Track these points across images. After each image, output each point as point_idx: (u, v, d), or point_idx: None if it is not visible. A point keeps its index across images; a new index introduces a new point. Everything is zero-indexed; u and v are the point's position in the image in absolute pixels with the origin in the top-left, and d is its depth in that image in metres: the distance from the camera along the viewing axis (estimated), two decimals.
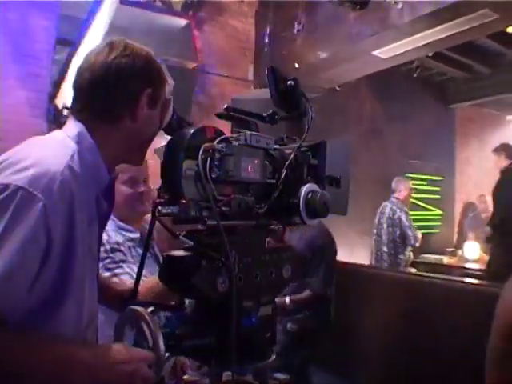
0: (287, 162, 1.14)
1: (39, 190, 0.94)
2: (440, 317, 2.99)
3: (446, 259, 6.31)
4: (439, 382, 2.95)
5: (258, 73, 5.48)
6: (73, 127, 1.09)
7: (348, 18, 4.33)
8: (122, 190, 1.76)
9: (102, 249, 1.43)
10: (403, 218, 5.38)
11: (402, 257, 5.41)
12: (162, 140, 1.11)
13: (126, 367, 0.95)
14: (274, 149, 1.16)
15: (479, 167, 7.97)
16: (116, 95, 1.09)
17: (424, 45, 4.14)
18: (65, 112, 4.04)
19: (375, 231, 5.60)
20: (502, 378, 1.28)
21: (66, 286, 1.01)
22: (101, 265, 1.47)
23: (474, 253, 6.21)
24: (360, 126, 6.60)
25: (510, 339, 1.26)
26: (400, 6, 3.80)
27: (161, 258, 1.87)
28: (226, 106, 1.09)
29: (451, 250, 6.59)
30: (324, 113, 5.18)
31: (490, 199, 6.20)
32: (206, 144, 0.97)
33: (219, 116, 1.10)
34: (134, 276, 1.64)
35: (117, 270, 1.65)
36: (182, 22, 4.80)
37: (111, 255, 1.67)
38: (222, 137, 1.02)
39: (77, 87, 1.12)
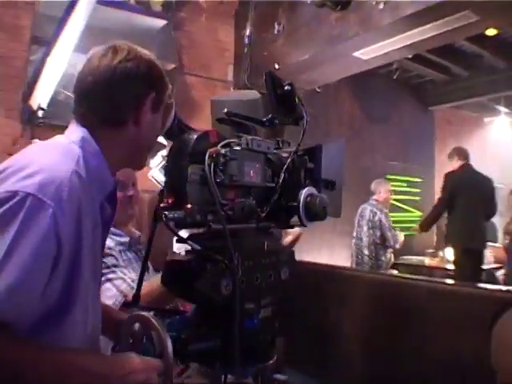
0: (285, 166, 1.19)
1: (48, 197, 0.95)
2: (421, 318, 3.05)
3: (427, 260, 6.43)
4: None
5: (237, 74, 5.51)
6: (76, 132, 1.10)
7: (329, 19, 4.38)
8: None
9: None
10: (383, 219, 5.49)
11: (383, 259, 5.52)
12: None
13: (139, 377, 0.97)
14: (272, 153, 1.20)
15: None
16: (120, 99, 1.11)
17: (405, 46, 4.21)
18: (40, 113, 4.00)
19: (355, 234, 5.68)
20: None
21: (74, 292, 1.02)
22: None
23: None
24: (340, 128, 6.69)
25: None
26: (381, 6, 3.87)
27: (149, 263, 1.89)
28: (226, 110, 1.12)
29: (432, 251, 6.71)
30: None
31: None
32: (212, 149, 1.00)
33: (219, 120, 1.13)
34: (128, 281, 1.68)
35: (110, 275, 1.67)
36: (161, 22, 4.79)
37: (104, 260, 1.69)
38: (225, 141, 1.05)
39: (79, 91, 1.13)
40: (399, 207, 7.49)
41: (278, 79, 1.20)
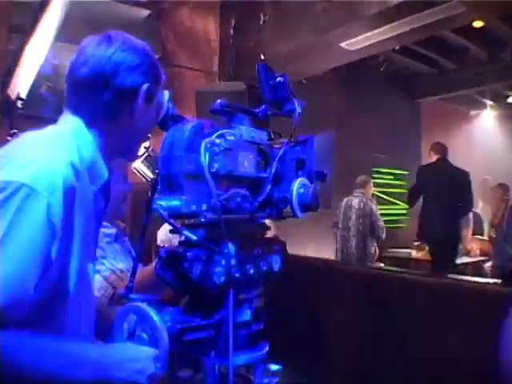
0: (277, 157, 1.21)
1: (42, 187, 0.95)
2: (408, 312, 3.09)
3: (414, 253, 6.52)
4: (408, 379, 3.06)
5: (222, 65, 5.51)
6: (69, 122, 1.11)
7: (315, 9, 4.39)
8: None
9: None
10: (374, 208, 5.65)
11: (371, 251, 5.63)
12: None
13: (135, 365, 0.99)
14: (265, 144, 1.22)
15: None
16: (115, 90, 1.11)
17: (391, 37, 4.23)
18: (19, 104, 3.95)
19: (341, 225, 5.74)
20: None
21: (68, 282, 1.03)
22: None
23: None
24: (326, 120, 6.72)
25: None
26: None
27: (133, 252, 1.92)
28: (219, 101, 1.13)
29: (418, 243, 6.81)
30: None
31: None
32: (207, 139, 1.02)
33: (212, 111, 1.15)
34: (117, 272, 1.70)
35: (98, 267, 1.68)
36: (145, 12, 4.76)
37: None
38: (220, 131, 1.07)
39: (73, 81, 1.13)
40: (385, 199, 7.57)
41: (270, 70, 1.22)
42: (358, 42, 4.38)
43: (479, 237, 6.77)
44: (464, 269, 5.86)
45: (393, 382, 2.92)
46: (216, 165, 1.02)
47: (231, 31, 5.39)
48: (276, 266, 1.28)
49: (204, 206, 1.03)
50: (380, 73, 7.17)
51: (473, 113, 9.33)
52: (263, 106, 1.21)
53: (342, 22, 4.16)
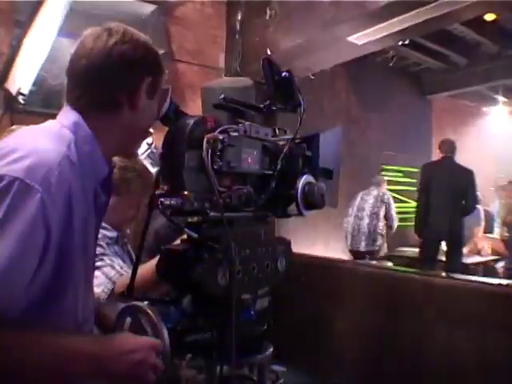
0: (282, 154, 1.20)
1: (37, 182, 0.94)
2: (417, 313, 3.07)
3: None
4: (416, 381, 3.04)
5: (229, 61, 5.49)
6: (68, 116, 1.10)
7: (322, 3, 4.36)
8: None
9: None
10: (391, 201, 6.01)
11: (378, 242, 5.87)
12: None
13: (135, 356, 0.98)
14: (270, 140, 1.21)
15: (456, 158, 8.20)
16: (115, 83, 1.10)
17: (400, 30, 4.17)
18: (20, 99, 3.93)
19: (355, 209, 6.02)
20: None
21: (65, 279, 1.02)
22: None
23: None
24: (335, 117, 6.70)
25: None
26: None
27: (133, 255, 1.92)
28: (223, 96, 1.12)
29: None
30: None
31: None
32: (209, 134, 1.01)
33: (216, 106, 1.14)
34: (117, 267, 1.70)
35: (98, 263, 1.67)
36: (151, 7, 4.76)
37: None
38: (223, 127, 1.06)
39: (73, 74, 1.12)
40: (396, 198, 7.52)
41: (275, 66, 1.21)
42: (366, 35, 4.32)
43: (490, 235, 6.73)
44: (475, 268, 5.81)
45: None
46: (218, 161, 1.01)
47: (238, 26, 5.37)
48: (281, 266, 1.27)
49: (206, 204, 1.02)
50: (390, 68, 7.12)
51: (485, 109, 9.25)
52: (268, 102, 1.19)
53: (349, 15, 4.12)
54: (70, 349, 0.97)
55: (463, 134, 8.60)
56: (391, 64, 7.04)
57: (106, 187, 1.16)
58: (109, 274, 1.70)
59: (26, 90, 3.87)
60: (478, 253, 6.42)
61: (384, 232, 5.96)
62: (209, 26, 5.44)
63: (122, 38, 1.10)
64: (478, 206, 6.80)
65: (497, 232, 6.97)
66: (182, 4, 5.16)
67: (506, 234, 5.66)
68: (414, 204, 7.66)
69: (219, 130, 1.04)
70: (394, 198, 7.32)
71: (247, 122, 1.11)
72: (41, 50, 3.68)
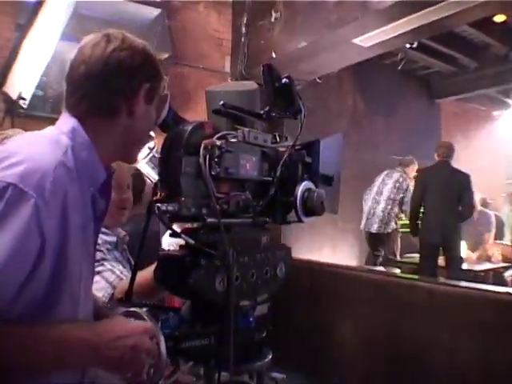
0: (282, 160, 1.21)
1: (31, 187, 0.95)
2: (419, 319, 3.07)
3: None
4: None
5: (234, 64, 5.52)
6: (66, 122, 1.12)
7: (327, 4, 4.37)
8: None
9: None
10: (410, 187, 5.93)
11: (391, 225, 5.95)
12: None
13: (128, 341, 0.99)
14: (269, 147, 1.23)
15: (465, 163, 8.17)
16: (114, 89, 1.12)
17: (407, 32, 4.14)
18: (22, 103, 3.95)
19: (374, 192, 6.09)
20: None
21: (61, 285, 1.04)
22: None
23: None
24: (342, 121, 6.71)
25: None
26: None
27: (132, 261, 1.93)
28: (222, 102, 1.14)
29: None
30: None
31: (478, 196, 6.49)
32: (206, 140, 1.03)
33: (215, 112, 1.15)
34: (117, 272, 1.71)
35: (98, 268, 1.69)
36: (156, 11, 4.80)
37: None
38: (221, 133, 1.08)
39: (71, 81, 1.14)
40: None
41: (275, 72, 1.23)
42: (372, 37, 4.30)
43: (501, 242, 6.69)
44: (484, 276, 5.77)
45: None
46: (216, 167, 1.03)
47: (243, 29, 5.40)
48: (281, 272, 1.28)
49: (204, 210, 1.04)
50: (398, 71, 7.12)
51: (495, 113, 9.23)
52: (267, 108, 1.21)
53: (354, 16, 4.12)
54: (64, 337, 0.98)
55: (473, 138, 8.59)
56: (399, 67, 7.04)
57: (104, 192, 1.17)
58: (109, 278, 1.72)
59: (27, 95, 3.90)
60: (488, 259, 6.39)
61: (395, 222, 6.07)
62: (214, 29, 5.47)
63: (121, 44, 1.12)
64: (489, 212, 6.79)
65: (508, 238, 6.93)
66: (187, 7, 5.19)
67: None
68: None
69: (217, 136, 1.06)
70: None
71: (246, 128, 1.13)
72: (42, 54, 3.70)
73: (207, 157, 1.02)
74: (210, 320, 1.10)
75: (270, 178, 1.20)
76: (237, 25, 5.46)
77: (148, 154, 2.00)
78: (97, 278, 1.66)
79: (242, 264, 1.13)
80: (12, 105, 3.94)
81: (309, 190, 1.21)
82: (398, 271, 5.51)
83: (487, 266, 6.14)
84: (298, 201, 1.19)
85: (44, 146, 1.06)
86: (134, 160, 1.27)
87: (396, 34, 4.18)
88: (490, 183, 7.84)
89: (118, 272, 1.75)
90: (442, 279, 4.02)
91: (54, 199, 0.99)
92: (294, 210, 1.21)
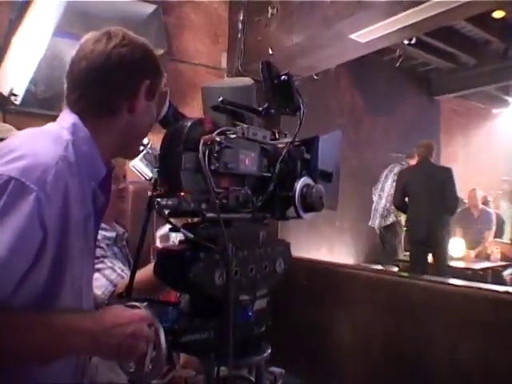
0: (281, 156, 1.24)
1: (32, 181, 0.98)
2: (417, 317, 3.09)
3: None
4: None
5: (231, 61, 5.53)
6: (67, 118, 1.14)
7: (324, 0, 4.37)
8: None
9: None
10: None
11: (391, 217, 6.12)
12: None
13: (126, 329, 1.01)
14: (268, 143, 1.25)
15: (465, 161, 8.22)
16: (114, 86, 1.14)
17: (404, 27, 4.12)
18: (13, 99, 3.95)
19: (379, 189, 6.35)
20: None
21: (62, 279, 1.06)
22: None
23: (458, 250, 6.38)
24: (340, 118, 6.74)
25: None
26: None
27: (131, 257, 1.96)
28: (221, 98, 1.16)
29: None
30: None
31: (479, 194, 6.53)
32: (206, 136, 1.05)
33: (214, 108, 1.18)
34: (117, 270, 1.74)
35: (98, 265, 1.72)
36: (151, 7, 4.81)
37: None
38: (221, 129, 1.10)
39: (72, 77, 1.16)
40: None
41: (274, 69, 1.25)
42: (369, 33, 4.29)
43: (500, 240, 6.73)
44: (483, 275, 5.81)
45: None
46: (215, 162, 1.05)
47: (240, 26, 5.41)
48: (280, 267, 1.31)
49: (203, 205, 1.06)
50: (396, 68, 7.15)
51: (495, 111, 9.27)
52: (266, 105, 1.23)
53: (351, 11, 4.12)
54: (63, 326, 1.00)
55: (472, 135, 8.64)
56: (398, 64, 7.07)
57: (104, 188, 1.20)
58: (110, 276, 1.74)
59: (19, 91, 3.90)
60: (487, 258, 6.43)
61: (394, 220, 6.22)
62: (210, 25, 5.48)
63: (122, 41, 1.15)
64: (490, 210, 6.83)
65: (508, 237, 6.97)
66: (183, 4, 5.20)
67: None
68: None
69: (216, 131, 1.09)
70: None
71: (245, 125, 1.15)
72: (34, 50, 3.70)
73: (206, 152, 1.04)
74: (210, 314, 1.13)
75: (269, 174, 1.23)
76: (233, 21, 5.47)
77: (142, 151, 2.03)
78: (96, 275, 1.68)
79: (241, 258, 1.15)
80: (3, 101, 3.95)
81: (307, 185, 1.24)
82: (395, 269, 5.57)
83: (486, 264, 6.19)
84: (296, 196, 1.21)
85: (45, 140, 1.08)
86: (133, 156, 1.29)
87: (393, 29, 4.18)
88: (489, 180, 7.89)
89: (118, 270, 1.77)
90: (427, 277, 4.03)
91: (55, 193, 1.01)
92: (293, 206, 1.23)
